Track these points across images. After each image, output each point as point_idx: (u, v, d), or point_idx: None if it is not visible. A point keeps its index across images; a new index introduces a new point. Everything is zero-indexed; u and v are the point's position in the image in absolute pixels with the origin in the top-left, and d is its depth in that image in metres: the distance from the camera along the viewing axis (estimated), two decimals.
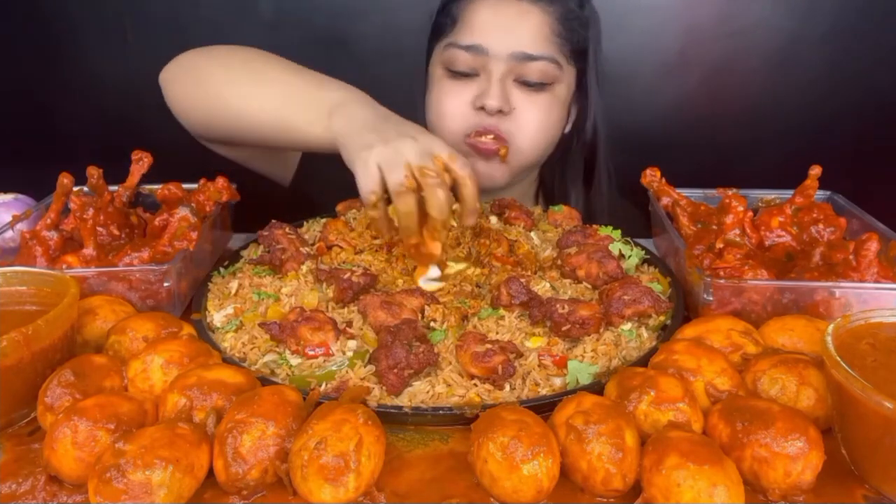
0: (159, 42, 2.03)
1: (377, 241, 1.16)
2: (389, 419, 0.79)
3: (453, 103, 1.38)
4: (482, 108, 1.34)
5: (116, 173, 1.24)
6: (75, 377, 0.78)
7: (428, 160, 0.99)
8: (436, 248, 1.04)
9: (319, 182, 1.51)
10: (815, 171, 1.16)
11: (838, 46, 2.05)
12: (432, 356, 0.86)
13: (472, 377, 0.86)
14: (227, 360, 0.89)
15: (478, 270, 1.11)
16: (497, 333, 0.95)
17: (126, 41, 2.08)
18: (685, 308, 1.02)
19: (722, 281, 0.96)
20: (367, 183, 1.00)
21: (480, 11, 1.37)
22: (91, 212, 1.05)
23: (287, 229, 1.15)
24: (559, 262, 1.12)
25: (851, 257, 0.98)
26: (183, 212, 1.11)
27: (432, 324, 0.97)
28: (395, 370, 0.83)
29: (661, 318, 0.99)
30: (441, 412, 0.81)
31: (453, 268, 1.11)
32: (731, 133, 2.17)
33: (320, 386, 0.85)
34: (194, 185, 1.22)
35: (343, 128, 1.09)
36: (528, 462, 0.68)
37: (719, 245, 1.06)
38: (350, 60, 2.06)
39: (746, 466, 0.70)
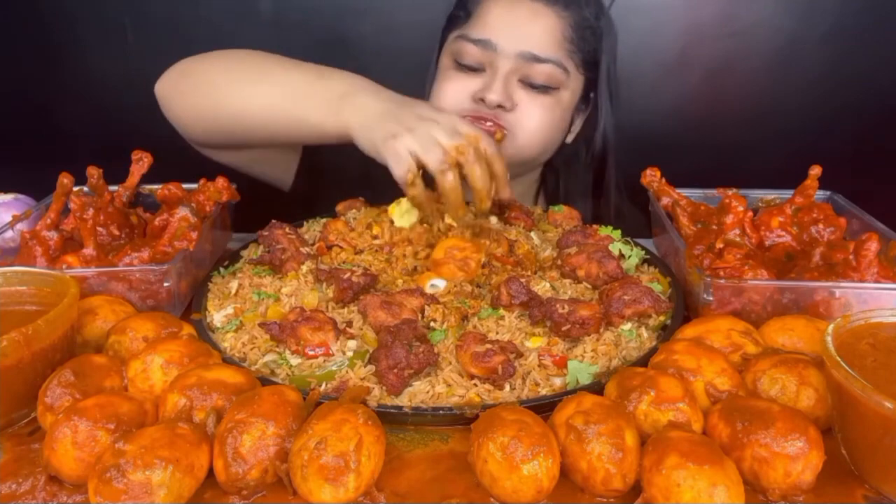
0: (159, 42, 2.04)
1: (377, 241, 1.16)
2: (389, 419, 0.79)
3: (455, 93, 1.38)
4: (482, 101, 1.34)
5: (116, 173, 1.24)
6: (75, 377, 0.78)
7: (458, 137, 1.05)
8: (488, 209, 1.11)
9: (319, 183, 1.51)
10: (815, 171, 1.16)
11: (838, 46, 2.05)
12: (432, 356, 0.86)
13: (472, 377, 0.86)
14: (227, 360, 0.89)
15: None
16: (497, 333, 0.95)
17: (126, 41, 2.08)
18: (685, 308, 1.02)
19: (722, 281, 0.96)
20: (402, 168, 1.05)
21: (494, 8, 1.37)
22: (91, 212, 1.05)
23: (287, 229, 1.15)
24: (559, 262, 1.12)
25: (851, 257, 0.97)
26: (183, 212, 1.11)
27: (432, 324, 0.97)
28: (395, 370, 0.83)
29: (661, 318, 0.99)
30: (441, 412, 0.81)
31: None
32: (731, 133, 2.17)
33: (320, 386, 0.85)
34: (194, 185, 1.23)
35: (356, 119, 1.12)
36: (528, 462, 0.68)
37: (719, 245, 1.06)
38: (350, 60, 2.04)
39: (746, 466, 0.70)
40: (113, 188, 1.21)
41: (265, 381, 0.83)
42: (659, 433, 0.71)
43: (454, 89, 1.38)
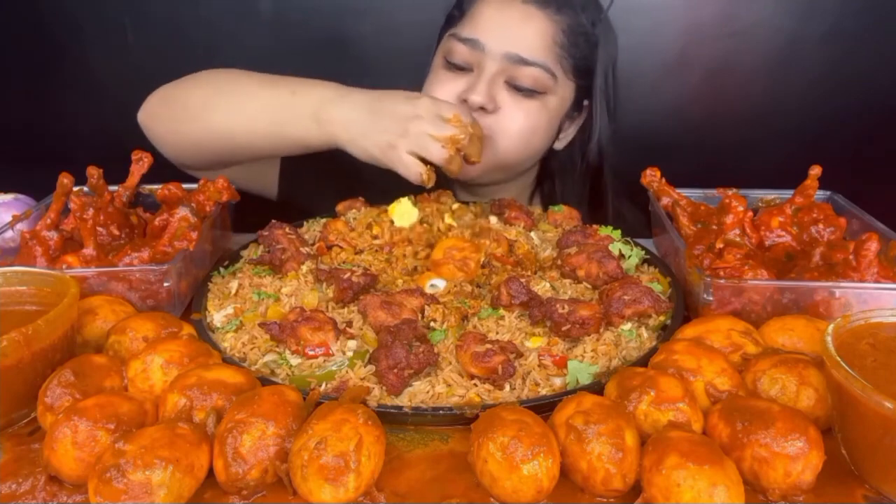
0: (159, 42, 2.04)
1: (377, 241, 1.16)
2: (389, 419, 0.79)
3: (441, 91, 1.37)
4: (465, 102, 1.33)
5: (116, 173, 1.24)
6: (75, 377, 0.78)
7: (444, 126, 1.14)
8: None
9: (304, 191, 1.53)
10: (815, 171, 1.16)
11: (838, 46, 2.05)
12: (432, 356, 0.86)
13: (472, 377, 0.86)
14: (227, 360, 0.89)
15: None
16: (497, 333, 0.95)
17: (126, 41, 2.08)
18: (685, 308, 1.02)
19: (722, 281, 0.96)
20: (413, 173, 1.15)
21: (486, 8, 1.37)
22: (91, 212, 1.05)
23: (287, 229, 1.15)
24: (559, 262, 1.12)
25: (851, 257, 0.97)
26: (183, 212, 1.11)
27: (432, 324, 0.97)
28: (395, 370, 0.83)
29: (661, 318, 0.99)
30: (441, 412, 0.81)
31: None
32: (731, 133, 2.16)
33: (320, 386, 0.85)
34: (194, 185, 1.22)
35: (343, 133, 1.19)
36: (528, 462, 0.68)
37: (719, 245, 1.06)
38: (350, 60, 2.06)
39: (746, 466, 0.70)
40: (113, 188, 1.21)
41: (265, 381, 0.83)
42: (659, 433, 0.71)
43: (441, 89, 1.38)
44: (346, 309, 1.01)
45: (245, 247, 1.22)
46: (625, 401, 0.76)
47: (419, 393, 0.84)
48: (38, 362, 0.81)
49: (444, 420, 0.81)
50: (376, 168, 1.20)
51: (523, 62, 1.33)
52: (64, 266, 1.02)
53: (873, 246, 0.97)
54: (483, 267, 1.12)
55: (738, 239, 1.08)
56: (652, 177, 1.27)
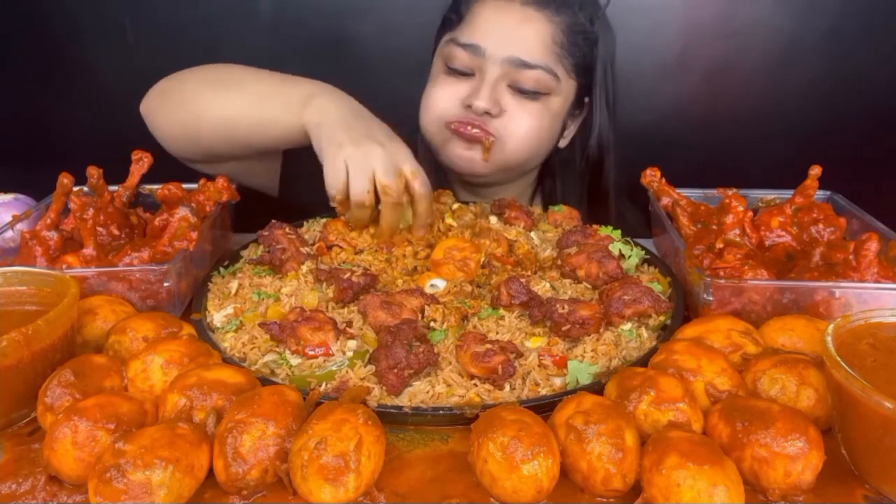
0: (159, 42, 2.04)
1: (378, 240, 1.16)
2: (389, 419, 0.79)
3: (444, 97, 1.38)
4: (470, 107, 1.33)
5: (116, 173, 1.24)
6: (75, 377, 0.78)
7: (391, 175, 1.07)
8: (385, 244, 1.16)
9: (305, 188, 1.52)
10: (815, 171, 1.16)
11: (838, 46, 2.05)
12: (432, 356, 0.86)
13: (472, 377, 0.86)
14: (227, 360, 0.89)
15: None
16: (497, 333, 0.95)
17: (126, 41, 2.08)
18: (685, 308, 1.02)
19: (722, 281, 0.96)
20: (334, 182, 1.09)
21: (484, 12, 1.36)
22: (91, 212, 1.05)
23: (287, 229, 1.15)
24: (559, 262, 1.12)
25: (851, 257, 0.97)
26: (183, 212, 1.11)
27: (432, 324, 0.97)
28: (395, 370, 0.83)
29: (661, 318, 0.99)
30: (441, 412, 0.81)
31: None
32: (731, 133, 2.16)
33: (320, 386, 0.85)
34: (194, 185, 1.23)
35: (314, 118, 1.16)
36: (528, 462, 0.68)
37: (719, 245, 1.06)
38: (350, 60, 2.06)
39: (746, 466, 0.70)
40: (113, 188, 1.21)
41: (265, 381, 0.83)
42: (659, 433, 0.71)
43: (443, 95, 1.38)
44: (346, 309, 1.01)
45: (245, 247, 1.22)
46: (625, 401, 0.76)
47: (419, 393, 0.84)
48: (38, 362, 0.81)
49: (444, 420, 0.81)
50: None
51: (525, 65, 1.33)
52: (64, 266, 1.02)
53: (873, 246, 0.97)
54: (483, 267, 1.12)
55: (738, 239, 1.08)
56: (652, 177, 1.27)
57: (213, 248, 1.19)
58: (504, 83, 1.35)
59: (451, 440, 0.80)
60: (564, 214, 1.31)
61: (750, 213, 1.14)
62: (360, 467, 0.68)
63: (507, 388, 0.85)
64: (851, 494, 0.72)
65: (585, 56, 1.40)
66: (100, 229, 1.12)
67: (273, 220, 1.17)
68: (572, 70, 1.40)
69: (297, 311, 0.93)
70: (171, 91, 1.34)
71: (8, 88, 2.13)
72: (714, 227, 1.12)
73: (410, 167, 1.10)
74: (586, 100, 1.48)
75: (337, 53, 2.04)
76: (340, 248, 1.16)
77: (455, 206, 1.28)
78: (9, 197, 1.29)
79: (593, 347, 0.92)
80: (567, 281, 1.09)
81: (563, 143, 1.52)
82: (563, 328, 0.92)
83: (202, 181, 1.23)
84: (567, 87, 1.41)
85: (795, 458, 0.68)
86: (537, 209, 1.34)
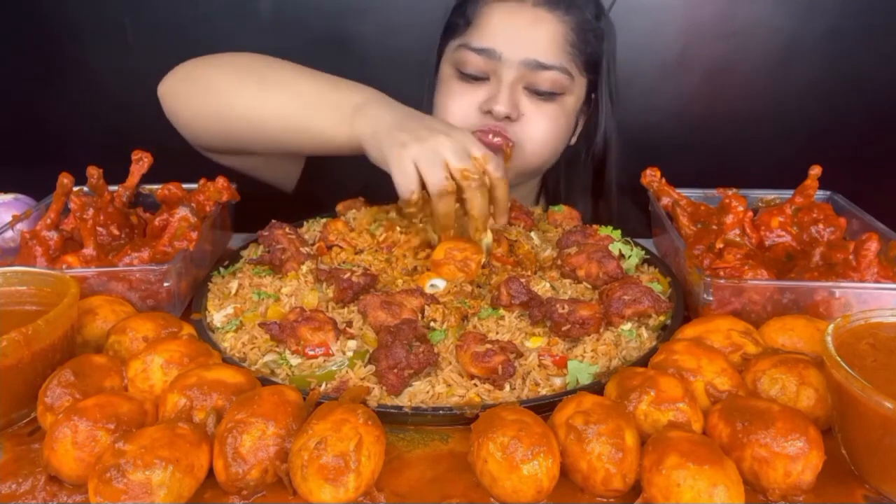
0: (159, 42, 2.04)
1: (380, 238, 1.16)
2: (389, 419, 0.79)
3: (460, 105, 1.37)
4: (489, 112, 1.33)
5: (116, 173, 1.24)
6: (75, 377, 0.78)
7: (465, 159, 1.02)
8: (483, 238, 1.09)
9: (323, 184, 1.51)
10: (815, 171, 1.16)
11: (838, 46, 2.05)
12: (432, 356, 0.86)
13: (472, 377, 0.86)
14: (227, 360, 0.89)
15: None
16: (497, 333, 0.95)
17: (126, 41, 2.08)
18: (685, 308, 1.02)
19: (722, 281, 0.96)
20: (406, 182, 1.03)
21: (495, 15, 1.36)
22: (91, 212, 1.05)
23: (287, 229, 1.15)
24: (559, 262, 1.12)
25: (851, 257, 0.97)
26: (183, 212, 1.11)
27: (432, 324, 0.97)
28: (395, 370, 0.83)
29: (661, 318, 0.99)
30: (441, 412, 0.81)
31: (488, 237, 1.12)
32: (731, 133, 2.17)
33: (320, 386, 0.85)
34: (194, 185, 1.22)
35: (369, 128, 1.09)
36: (528, 462, 0.68)
37: (719, 245, 1.06)
38: (350, 60, 2.05)
39: (746, 466, 0.70)
40: (113, 188, 1.21)
41: (265, 381, 0.83)
42: (659, 433, 0.71)
43: (460, 102, 1.37)
44: (346, 309, 1.01)
45: (245, 247, 1.22)
46: (625, 401, 0.76)
47: (419, 393, 0.84)
48: (38, 362, 0.81)
49: (444, 420, 0.81)
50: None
51: (542, 67, 1.33)
52: (64, 266, 1.02)
53: (873, 246, 0.97)
54: (483, 267, 1.12)
55: (738, 239, 1.08)
56: (652, 177, 1.27)
57: (213, 248, 1.19)
58: (520, 86, 1.35)
59: (451, 440, 0.80)
60: (564, 214, 1.31)
61: (750, 213, 1.14)
62: (360, 467, 0.68)
63: (507, 388, 0.85)
64: (851, 494, 0.72)
65: (594, 53, 1.41)
66: (100, 229, 1.12)
67: (273, 220, 1.17)
68: (583, 67, 1.40)
69: (297, 311, 0.93)
70: (200, 78, 1.27)
71: (8, 88, 2.13)
72: (714, 227, 1.12)
73: (480, 151, 1.05)
74: (593, 96, 1.48)
75: (337, 53, 2.04)
76: (340, 247, 1.16)
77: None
78: (9, 197, 1.29)
79: (593, 347, 0.92)
80: (567, 281, 1.09)
81: (573, 141, 1.53)
82: (563, 328, 0.92)
83: (202, 181, 1.23)
84: (579, 86, 1.42)
85: (795, 458, 0.68)
86: (537, 209, 1.34)
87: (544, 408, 0.79)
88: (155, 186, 1.24)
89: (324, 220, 1.26)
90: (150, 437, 0.68)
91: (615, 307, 0.96)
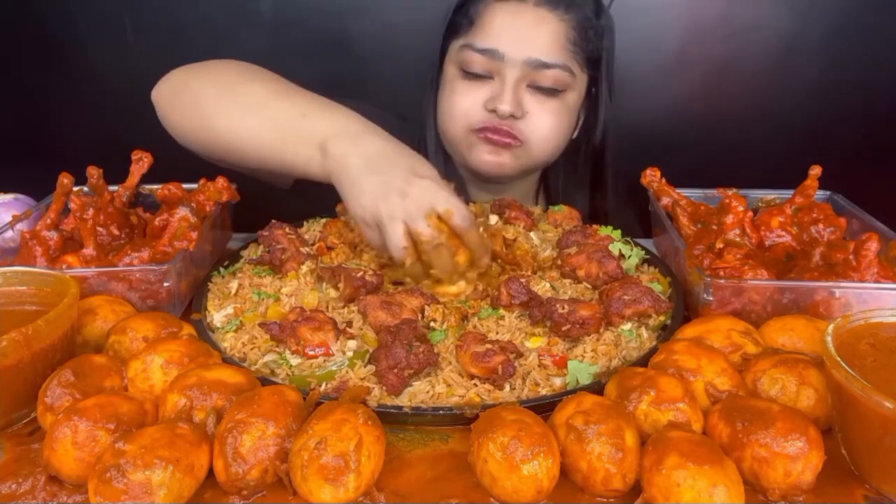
0: (159, 42, 2.04)
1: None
2: (389, 419, 0.79)
3: (465, 103, 1.39)
4: (494, 111, 1.35)
5: (116, 173, 1.24)
6: (75, 377, 0.78)
7: (420, 221, 0.99)
8: (458, 287, 1.06)
9: (323, 183, 1.50)
10: (815, 171, 1.16)
11: (839, 46, 2.05)
12: (432, 356, 0.86)
13: (472, 377, 0.86)
14: (227, 360, 0.89)
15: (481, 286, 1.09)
16: (497, 333, 0.95)
17: (126, 41, 2.08)
18: (685, 308, 1.02)
19: (722, 281, 0.96)
20: (372, 239, 1.04)
21: (498, 15, 1.37)
22: (91, 212, 1.05)
23: (287, 229, 1.15)
24: (559, 262, 1.12)
25: (851, 257, 0.97)
26: (183, 212, 1.11)
27: (432, 324, 0.97)
28: (395, 370, 0.83)
29: (661, 318, 0.99)
30: (441, 412, 0.81)
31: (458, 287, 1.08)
32: (731, 133, 2.17)
33: (320, 386, 0.85)
34: (194, 185, 1.23)
35: (336, 173, 1.07)
36: (528, 462, 0.68)
37: (719, 245, 1.06)
38: (350, 60, 2.06)
39: (746, 466, 0.70)
40: (113, 188, 1.21)
41: (265, 381, 0.83)
42: (659, 433, 0.71)
43: (465, 101, 1.39)
44: (346, 309, 1.01)
45: (245, 247, 1.22)
46: (625, 401, 0.76)
47: (419, 393, 0.84)
48: (38, 362, 0.81)
49: (444, 420, 0.81)
50: None
51: (545, 66, 1.34)
52: (64, 266, 1.02)
53: (873, 246, 0.97)
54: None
55: (738, 239, 1.08)
56: (652, 177, 1.27)
57: (213, 248, 1.19)
58: (524, 84, 1.36)
59: (451, 440, 0.80)
60: (564, 214, 1.32)
61: (750, 213, 1.14)
62: (360, 467, 0.68)
63: (507, 388, 0.85)
64: (851, 494, 0.72)
65: (594, 49, 1.42)
66: (100, 229, 1.12)
67: (273, 220, 1.17)
68: (584, 64, 1.42)
69: (297, 311, 0.93)
70: (188, 92, 1.26)
71: (8, 88, 2.13)
72: (714, 227, 1.12)
73: (443, 206, 1.01)
74: (593, 90, 1.50)
75: (337, 53, 2.04)
76: (341, 248, 1.16)
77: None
78: (9, 197, 1.29)
79: (593, 347, 0.92)
80: (567, 281, 1.09)
81: (575, 134, 1.54)
82: (563, 328, 0.92)
83: (202, 181, 1.23)
84: (580, 82, 1.43)
85: (795, 458, 0.68)
86: (537, 209, 1.34)
87: (544, 408, 0.79)
88: (155, 186, 1.24)
89: (324, 220, 1.26)
90: (150, 437, 0.68)
91: (615, 307, 0.96)
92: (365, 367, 0.88)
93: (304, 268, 1.09)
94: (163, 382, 0.81)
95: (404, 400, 0.83)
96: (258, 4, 2.05)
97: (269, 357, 0.91)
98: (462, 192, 1.34)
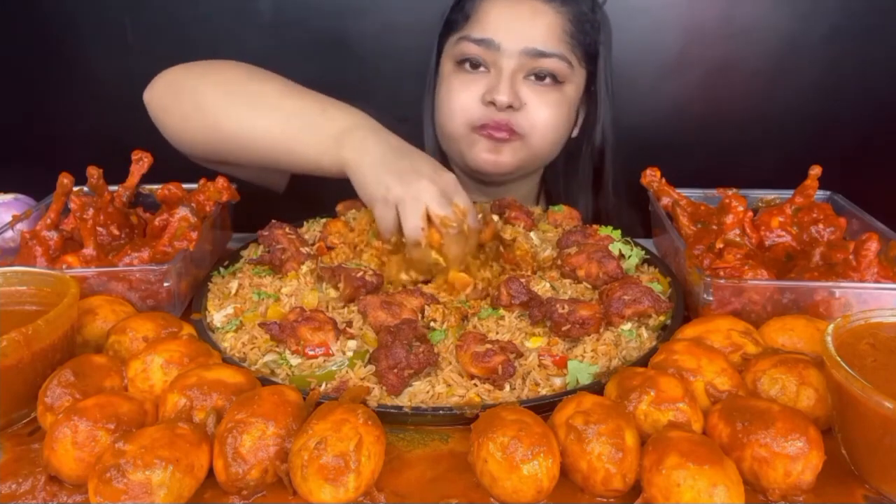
0: (159, 42, 2.04)
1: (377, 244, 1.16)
2: (389, 419, 0.79)
3: (463, 97, 1.38)
4: (492, 104, 1.34)
5: (116, 173, 1.24)
6: (75, 377, 0.78)
7: (446, 206, 1.02)
8: (462, 279, 1.07)
9: (316, 184, 1.51)
10: (815, 171, 1.16)
11: (839, 47, 2.05)
12: (432, 356, 0.86)
13: (472, 377, 0.86)
14: (227, 360, 0.89)
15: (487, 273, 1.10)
16: (497, 333, 0.95)
17: (126, 41, 2.08)
18: (685, 308, 1.02)
19: (722, 281, 0.96)
20: (385, 226, 1.06)
21: (494, 7, 1.37)
22: (91, 212, 1.05)
23: (287, 229, 1.15)
24: (559, 262, 1.12)
25: (851, 257, 0.97)
26: (183, 212, 1.11)
27: (432, 324, 0.97)
28: (395, 370, 0.83)
29: (661, 318, 0.99)
30: (441, 412, 0.81)
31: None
32: (731, 133, 2.17)
33: (320, 386, 0.85)
34: (194, 185, 1.22)
35: (353, 159, 1.08)
36: (528, 462, 0.68)
37: (719, 245, 1.06)
38: (350, 60, 2.06)
39: (746, 466, 0.70)
40: (113, 188, 1.21)
41: (265, 381, 0.83)
42: (659, 433, 0.71)
43: (462, 96, 1.38)
44: (346, 309, 1.01)
45: (245, 247, 1.22)
46: (625, 401, 0.76)
47: (419, 393, 0.84)
48: (38, 362, 0.81)
49: (444, 420, 0.81)
50: None
51: (541, 55, 1.34)
52: (64, 266, 1.02)
53: (873, 246, 0.97)
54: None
55: (738, 239, 1.08)
56: (652, 177, 1.27)
57: (213, 248, 1.19)
58: (521, 75, 1.36)
59: (451, 440, 0.80)
60: (564, 214, 1.31)
61: (750, 213, 1.14)
62: (360, 467, 0.68)
63: (507, 388, 0.85)
64: (851, 494, 0.72)
65: (592, 44, 1.43)
66: (100, 229, 1.12)
67: (273, 220, 1.17)
68: (582, 58, 1.42)
69: (297, 311, 0.93)
70: (183, 90, 1.26)
71: (8, 88, 2.13)
72: (714, 227, 1.12)
73: (463, 201, 1.05)
74: (592, 88, 1.49)
75: (337, 53, 2.04)
76: (341, 248, 1.16)
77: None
78: (9, 197, 1.29)
79: (593, 347, 0.92)
80: (567, 281, 1.09)
81: (575, 133, 1.54)
82: (563, 328, 0.92)
83: (202, 181, 1.23)
84: (578, 76, 1.43)
85: (795, 458, 0.68)
86: (537, 209, 1.34)
87: (544, 408, 0.79)
88: (155, 186, 1.24)
89: (324, 220, 1.26)
90: (150, 437, 0.68)
91: (615, 307, 0.96)
92: (365, 367, 0.88)
93: (304, 268, 1.09)
94: (163, 382, 0.81)
95: (404, 400, 0.83)
96: (258, 4, 2.05)
97: (269, 357, 0.91)
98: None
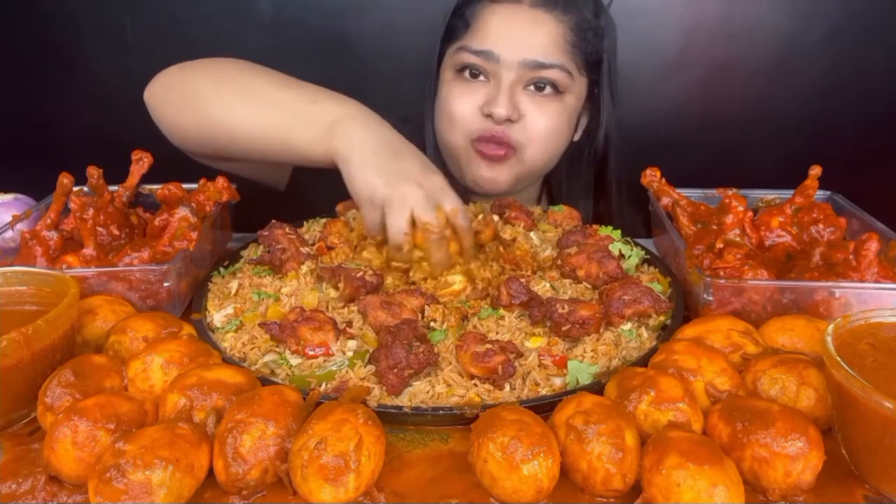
0: (159, 42, 2.04)
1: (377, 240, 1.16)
2: (389, 419, 0.79)
3: (462, 106, 1.38)
4: (490, 116, 1.34)
5: (116, 173, 1.24)
6: (75, 377, 0.78)
7: (430, 211, 1.01)
8: (460, 283, 1.07)
9: (315, 184, 1.51)
10: (815, 171, 1.16)
11: (839, 47, 2.05)
12: (432, 356, 0.86)
13: (472, 377, 0.86)
14: (227, 360, 0.89)
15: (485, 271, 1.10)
16: (497, 333, 0.95)
17: (126, 41, 2.08)
18: (685, 308, 1.02)
19: (722, 281, 0.96)
20: (371, 225, 1.06)
21: (493, 17, 1.36)
22: (91, 212, 1.05)
23: (287, 229, 1.15)
24: (559, 262, 1.12)
25: (851, 257, 0.97)
26: (183, 212, 1.11)
27: (432, 324, 0.97)
28: (395, 370, 0.83)
29: (661, 318, 0.99)
30: (441, 412, 0.81)
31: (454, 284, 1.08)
32: (731, 133, 2.17)
33: (320, 386, 0.85)
34: (194, 185, 1.22)
35: (342, 150, 1.07)
36: (528, 462, 0.68)
37: (719, 245, 1.06)
38: (350, 60, 2.06)
39: (746, 466, 0.70)
40: (113, 188, 1.21)
41: (265, 381, 0.83)
42: (659, 433, 0.71)
43: (461, 106, 1.38)
44: (346, 309, 1.01)
45: (245, 247, 1.22)
46: (625, 401, 0.76)
47: (419, 393, 0.84)
48: (38, 362, 0.81)
49: (444, 420, 0.81)
50: None
51: (541, 66, 1.33)
52: (64, 266, 1.02)
53: (873, 246, 0.97)
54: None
55: (738, 239, 1.08)
56: (652, 177, 1.27)
57: (213, 248, 1.19)
58: (520, 86, 1.35)
59: (451, 440, 0.80)
60: (564, 214, 1.31)
61: (750, 213, 1.14)
62: (360, 467, 0.68)
63: (507, 388, 0.85)
64: (851, 494, 0.72)
65: (594, 51, 1.41)
66: (100, 229, 1.12)
67: (273, 220, 1.17)
68: (584, 66, 1.41)
69: (297, 311, 0.93)
70: (180, 86, 1.27)
71: (8, 88, 2.13)
72: (714, 227, 1.12)
73: (451, 203, 1.04)
74: (595, 91, 1.49)
75: (337, 53, 2.04)
76: (341, 248, 1.16)
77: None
78: (9, 197, 1.29)
79: (593, 347, 0.92)
80: (567, 281, 1.09)
81: (576, 137, 1.53)
82: (563, 328, 0.92)
83: (202, 181, 1.23)
84: (580, 85, 1.42)
85: (795, 458, 0.68)
86: (537, 209, 1.34)
87: (544, 408, 0.79)
88: (155, 186, 1.24)
89: (324, 221, 1.26)
90: (150, 437, 0.68)
91: (615, 307, 0.96)
92: (365, 367, 0.88)
93: (304, 268, 1.09)
94: (163, 382, 0.81)
95: (404, 400, 0.83)
96: (258, 4, 2.04)
97: (269, 357, 0.91)
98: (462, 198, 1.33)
